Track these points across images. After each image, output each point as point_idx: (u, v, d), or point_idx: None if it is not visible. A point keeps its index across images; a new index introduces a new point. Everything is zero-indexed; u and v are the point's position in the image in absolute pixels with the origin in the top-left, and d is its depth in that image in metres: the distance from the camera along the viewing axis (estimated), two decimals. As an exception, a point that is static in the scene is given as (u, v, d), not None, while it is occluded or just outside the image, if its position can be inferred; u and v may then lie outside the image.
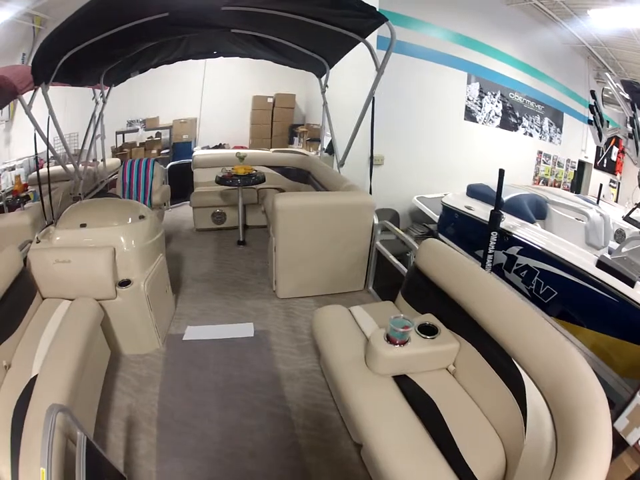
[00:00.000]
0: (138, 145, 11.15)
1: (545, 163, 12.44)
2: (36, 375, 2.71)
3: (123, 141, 11.09)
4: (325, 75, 6.79)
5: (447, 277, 3.31)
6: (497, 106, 11.04)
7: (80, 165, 6.46)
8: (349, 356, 3.14)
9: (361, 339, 3.30)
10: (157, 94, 11.00)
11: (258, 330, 4.68)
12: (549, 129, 12.23)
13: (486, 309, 2.82)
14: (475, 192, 7.26)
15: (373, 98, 5.41)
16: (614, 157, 13.75)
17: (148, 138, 11.30)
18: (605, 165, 13.80)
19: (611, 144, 13.27)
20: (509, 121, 11.40)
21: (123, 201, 5.29)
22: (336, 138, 6.77)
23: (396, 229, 4.97)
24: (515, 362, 2.47)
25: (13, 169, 8.82)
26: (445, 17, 9.52)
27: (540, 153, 12.27)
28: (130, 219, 4.12)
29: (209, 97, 11.71)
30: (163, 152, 11.34)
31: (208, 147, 11.57)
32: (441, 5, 9.37)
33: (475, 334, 2.88)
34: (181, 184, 8.55)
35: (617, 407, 2.30)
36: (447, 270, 3.35)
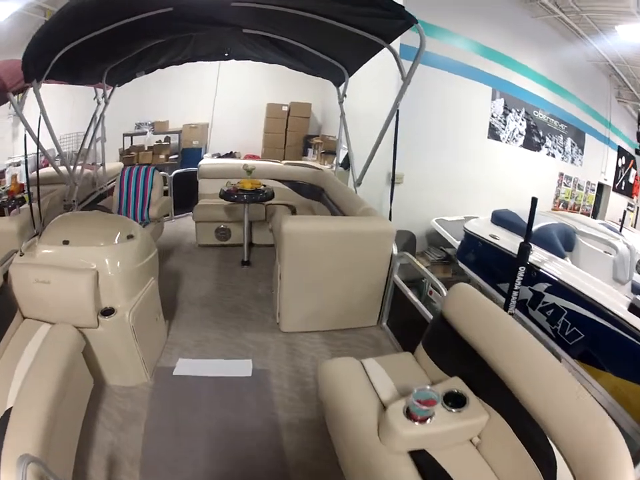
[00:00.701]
0: (146, 148, 10.82)
1: (565, 185, 11.90)
2: (11, 407, 2.47)
3: (131, 143, 10.76)
4: (343, 84, 6.38)
5: (478, 332, 2.81)
6: (520, 124, 10.55)
7: (77, 169, 6.07)
8: (359, 423, 2.66)
9: (374, 401, 2.81)
10: (167, 96, 10.85)
11: (257, 369, 4.21)
12: (571, 150, 11.77)
13: (522, 375, 2.40)
14: (500, 219, 6.74)
15: (397, 110, 4.82)
16: (631, 180, 13.44)
17: (156, 142, 11.03)
18: (622, 188, 13.41)
19: (629, 166, 13.06)
20: (533, 141, 10.90)
21: (111, 217, 4.79)
22: (353, 152, 6.27)
23: (418, 264, 4.46)
24: (549, 439, 2.15)
25: (18, 164, 8.75)
26: (469, 26, 9.06)
27: (561, 174, 11.77)
28: (117, 239, 3.68)
29: (222, 102, 11.37)
30: (171, 157, 11.01)
31: (219, 155, 11.24)
32: (465, 13, 8.90)
33: (506, 403, 2.46)
34: (187, 193, 8.06)
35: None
36: (479, 323, 2.84)
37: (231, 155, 11.47)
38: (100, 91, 6.60)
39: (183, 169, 8.79)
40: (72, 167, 5.91)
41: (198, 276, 6.14)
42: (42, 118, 4.84)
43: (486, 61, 9.44)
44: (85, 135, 6.63)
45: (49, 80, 4.48)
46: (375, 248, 4.61)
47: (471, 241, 6.89)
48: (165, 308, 4.57)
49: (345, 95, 6.44)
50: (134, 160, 10.57)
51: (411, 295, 4.39)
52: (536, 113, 10.69)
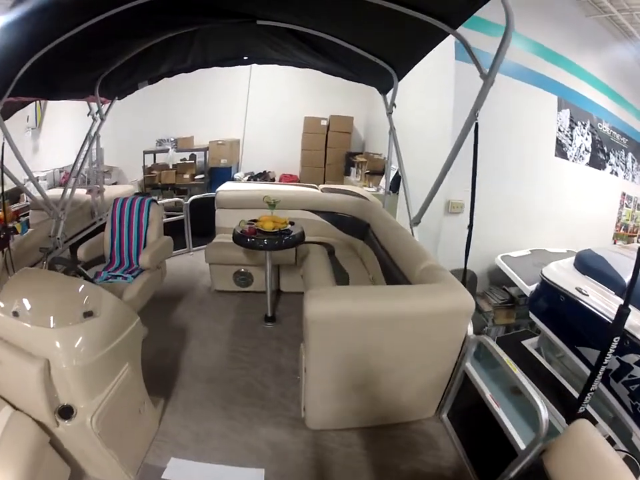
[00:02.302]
0: (171, 167, 10.09)
1: (626, 206, 10.48)
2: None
3: (154, 161, 10.11)
4: (391, 90, 5.20)
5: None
6: (586, 139, 9.20)
7: (66, 196, 5.26)
8: None
9: None
10: (192, 110, 10.50)
11: (271, 484, 3.14)
12: (632, 166, 10.29)
13: None
14: (586, 266, 5.46)
15: (476, 124, 3.53)
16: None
17: (181, 160, 10.20)
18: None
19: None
20: (598, 158, 9.56)
21: (69, 282, 3.35)
22: (405, 174, 5.16)
23: (500, 353, 3.07)
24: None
25: (37, 180, 7.88)
26: (527, 24, 7.80)
27: (623, 194, 10.36)
28: (70, 318, 2.68)
29: (254, 116, 10.68)
30: (197, 177, 10.21)
31: (252, 174, 10.57)
32: (520, 7, 7.59)
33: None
34: (207, 222, 6.95)
35: None
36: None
37: (264, 175, 10.66)
38: (94, 106, 5.65)
39: (202, 195, 7.70)
40: (69, 193, 5.30)
41: (208, 335, 5.09)
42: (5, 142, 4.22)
43: (549, 65, 8.21)
44: (77, 156, 5.63)
45: (15, 97, 4.03)
46: (442, 330, 3.30)
47: (549, 291, 5.57)
48: (160, 380, 4.00)
49: (395, 105, 5.29)
50: (155, 180, 9.97)
51: (485, 390, 3.25)
52: (600, 126, 9.33)
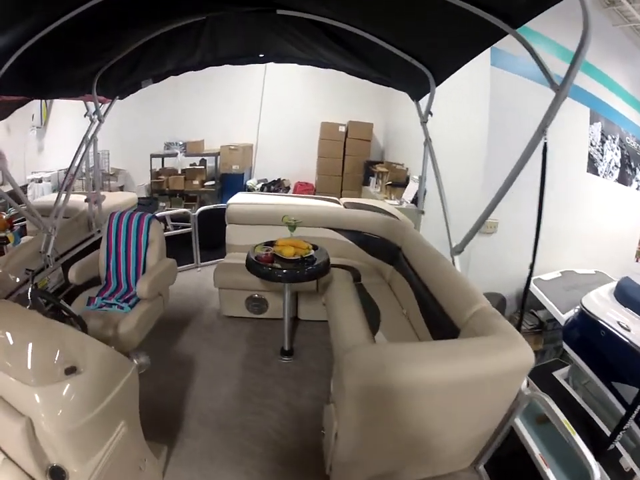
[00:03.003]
0: (179, 172, 9.74)
1: (650, 222, 10.01)
2: None
3: (162, 165, 10.01)
4: (428, 96, 4.50)
5: None
6: (616, 154, 8.75)
7: (59, 206, 4.69)
8: None
9: None
10: (202, 112, 10.09)
11: None
12: None
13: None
14: (628, 297, 5.05)
15: (545, 144, 2.90)
16: None
17: (190, 165, 9.75)
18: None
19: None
20: (625, 173, 9.16)
21: (48, 326, 2.59)
22: (444, 193, 4.43)
23: (559, 415, 2.65)
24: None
25: (40, 181, 8.65)
26: (558, 30, 7.31)
27: (647, 210, 9.93)
28: (50, 375, 2.19)
29: (268, 120, 10.17)
30: (207, 184, 9.71)
31: (265, 181, 10.01)
32: (552, 13, 7.11)
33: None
34: (217, 235, 6.31)
35: None
36: None
37: (278, 183, 10.07)
38: (92, 106, 5.03)
39: (211, 206, 7.14)
40: (62, 201, 4.71)
41: (216, 370, 4.51)
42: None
43: (581, 74, 7.68)
44: (72, 161, 5.00)
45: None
46: (497, 390, 2.81)
47: (588, 323, 5.12)
48: (163, 423, 3.61)
49: (431, 113, 4.58)
50: (163, 185, 9.57)
51: (534, 448, 2.89)
52: (628, 140, 8.88)
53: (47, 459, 2.24)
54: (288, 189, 10.16)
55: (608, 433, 3.85)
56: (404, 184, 7.88)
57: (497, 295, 6.52)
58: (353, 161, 10.10)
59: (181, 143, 9.68)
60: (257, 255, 4.37)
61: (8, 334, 2.40)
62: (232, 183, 9.68)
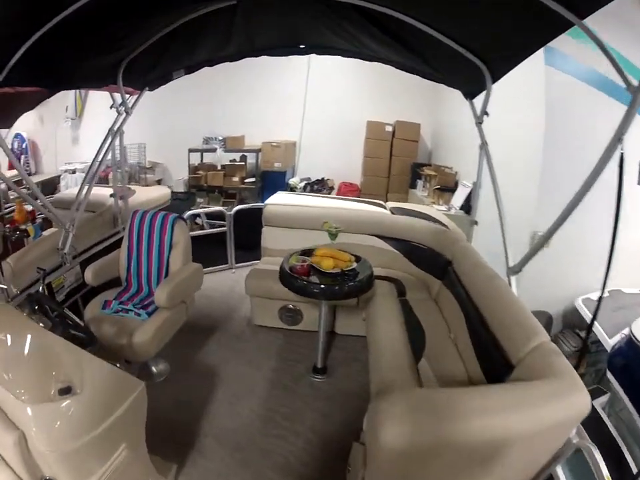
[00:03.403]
0: (219, 167, 9.52)
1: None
2: None
3: (201, 160, 9.72)
4: (484, 94, 4.04)
5: None
6: (656, 162, 8.30)
7: (77, 206, 4.34)
8: None
9: None
10: (243, 107, 9.75)
11: None
12: None
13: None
14: None
15: (622, 154, 2.56)
16: None
17: (230, 161, 9.55)
18: None
19: None
20: None
21: (45, 338, 2.47)
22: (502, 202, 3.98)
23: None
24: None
25: (74, 172, 8.92)
26: (608, 32, 6.83)
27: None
28: (44, 393, 2.06)
29: (312, 117, 9.80)
30: (247, 181, 9.30)
31: (308, 180, 9.63)
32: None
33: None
34: (253, 235, 5.94)
35: None
36: None
37: (322, 183, 9.67)
38: (118, 97, 4.68)
39: (248, 205, 6.96)
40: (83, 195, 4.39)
41: (240, 385, 4.13)
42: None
43: (629, 76, 7.31)
44: (96, 155, 4.63)
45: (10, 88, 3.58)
46: (547, 440, 2.42)
47: (636, 353, 4.61)
48: (175, 439, 3.34)
49: (487, 113, 4.12)
50: (201, 180, 9.21)
51: None
52: None
53: (41, 471, 2.14)
54: (332, 189, 9.77)
55: (634, 468, 3.59)
56: (453, 189, 7.45)
57: (543, 313, 6.11)
58: (400, 163, 9.64)
59: (220, 138, 9.32)
60: (291, 266, 3.97)
61: (3, 344, 2.35)
62: (273, 180, 9.33)
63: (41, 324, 2.59)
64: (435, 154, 9.79)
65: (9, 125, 6.20)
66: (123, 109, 4.66)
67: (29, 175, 9.54)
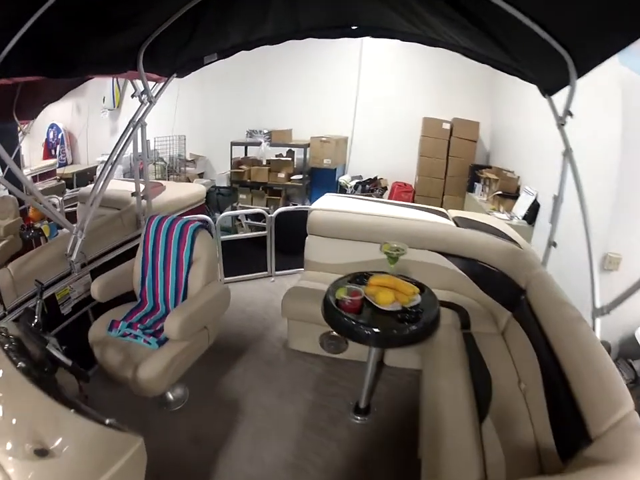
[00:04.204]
0: (264, 162, 8.93)
1: None
2: None
3: (245, 154, 9.18)
4: (568, 89, 3.35)
5: None
6: None
7: (89, 206, 3.76)
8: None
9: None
10: (290, 99, 9.28)
11: None
12: None
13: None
14: None
15: None
16: None
17: (276, 156, 9.05)
18: None
19: None
20: None
21: (21, 389, 2.02)
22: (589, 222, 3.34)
23: None
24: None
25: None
26: None
27: None
28: (19, 449, 1.72)
29: (364, 112, 9.17)
30: (294, 178, 8.70)
31: (360, 178, 8.98)
32: None
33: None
34: (295, 240, 5.33)
35: None
36: None
37: (374, 182, 9.02)
38: (140, 85, 4.14)
39: (292, 207, 6.36)
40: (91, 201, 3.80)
41: (267, 422, 3.57)
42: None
43: None
44: (115, 147, 4.08)
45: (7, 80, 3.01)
46: None
47: None
48: None
49: (570, 114, 3.44)
50: (244, 176, 8.69)
51: None
52: None
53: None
54: (385, 189, 9.16)
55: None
56: (515, 195, 6.77)
57: (604, 343, 5.40)
58: (458, 164, 8.95)
59: (265, 131, 8.85)
60: (339, 299, 3.22)
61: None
62: (322, 178, 8.76)
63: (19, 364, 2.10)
64: (493, 156, 9.09)
65: (32, 116, 6.06)
66: (146, 97, 4.10)
67: (65, 165, 9.95)
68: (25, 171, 8.70)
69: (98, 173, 8.32)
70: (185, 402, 3.57)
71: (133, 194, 4.51)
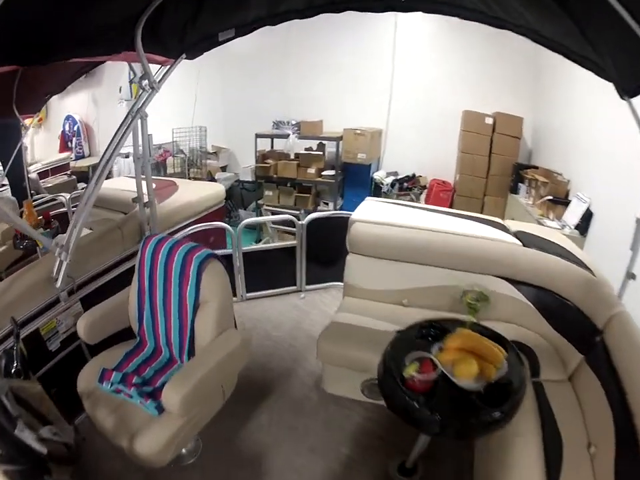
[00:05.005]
0: (293, 156, 8.41)
1: None
2: None
3: (272, 147, 8.71)
4: None
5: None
6: None
7: (78, 217, 3.13)
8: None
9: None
10: (320, 88, 8.71)
11: None
12: None
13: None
14: None
15: None
16: None
17: (305, 149, 8.41)
18: None
19: None
20: None
21: None
22: None
23: None
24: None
25: (127, 156, 8.42)
26: None
27: None
28: None
29: (400, 102, 8.60)
30: (324, 173, 8.11)
31: (396, 175, 8.44)
32: None
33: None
34: (329, 247, 4.94)
35: None
36: None
37: (412, 180, 8.44)
38: (138, 69, 3.41)
39: (326, 213, 5.53)
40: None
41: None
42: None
43: None
44: (110, 142, 3.49)
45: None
46: None
47: None
48: None
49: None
50: (270, 171, 8.30)
51: None
52: None
53: None
54: (424, 188, 8.54)
55: None
56: (565, 201, 6.04)
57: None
58: (501, 162, 8.29)
59: (293, 122, 8.19)
60: (405, 376, 2.35)
61: None
62: (355, 174, 8.25)
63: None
64: (536, 155, 8.43)
65: (35, 110, 5.84)
66: (146, 83, 3.35)
67: (82, 157, 10.04)
68: (36, 166, 8.62)
69: (115, 167, 8.25)
70: (197, 455, 2.97)
71: (134, 200, 3.78)
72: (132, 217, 3.95)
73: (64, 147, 10.26)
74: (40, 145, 10.78)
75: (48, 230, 4.28)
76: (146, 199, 3.79)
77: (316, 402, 3.61)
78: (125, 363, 2.78)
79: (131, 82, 3.22)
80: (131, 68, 3.52)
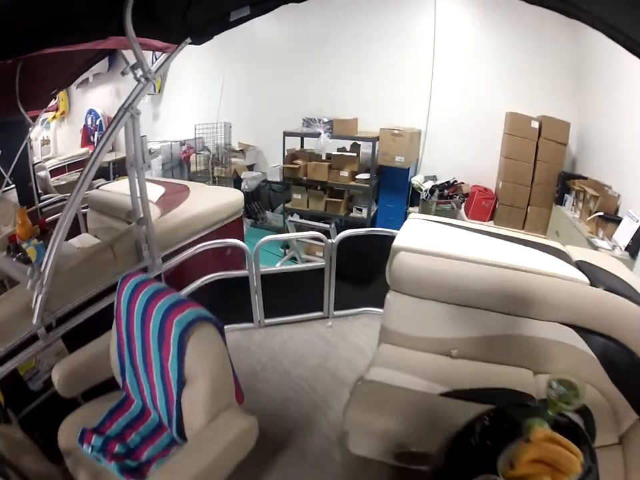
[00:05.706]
0: (324, 157, 7.84)
1: None
2: None
3: (301, 146, 8.08)
4: None
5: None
6: None
7: (58, 235, 2.74)
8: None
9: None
10: (355, 83, 8.25)
11: None
12: None
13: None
14: None
15: None
16: None
17: (338, 150, 7.80)
18: None
19: None
20: None
21: None
22: None
23: None
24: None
25: (150, 152, 7.90)
26: None
27: None
28: None
29: (440, 102, 8.23)
30: (359, 177, 7.54)
31: (434, 180, 8.02)
32: None
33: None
34: (361, 265, 4.48)
35: None
36: None
37: (453, 187, 8.00)
38: (131, 57, 2.87)
39: (361, 230, 4.66)
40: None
41: None
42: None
43: None
44: (98, 141, 3.15)
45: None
46: None
47: None
48: None
49: None
50: (299, 172, 7.59)
51: None
52: None
53: None
54: (466, 196, 8.06)
55: None
56: (615, 218, 5.46)
57: None
58: (545, 169, 7.75)
59: (325, 120, 7.67)
60: None
61: None
62: (392, 178, 7.70)
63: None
64: (580, 163, 7.91)
65: (41, 106, 5.63)
66: (140, 73, 2.85)
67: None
68: (53, 161, 8.70)
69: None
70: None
71: (128, 214, 3.32)
72: (126, 234, 3.46)
73: (86, 141, 10.24)
74: (63, 138, 10.84)
75: (42, 242, 3.77)
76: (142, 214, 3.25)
77: (338, 462, 3.04)
78: (108, 423, 2.32)
79: (122, 74, 2.67)
80: (123, 57, 2.95)
